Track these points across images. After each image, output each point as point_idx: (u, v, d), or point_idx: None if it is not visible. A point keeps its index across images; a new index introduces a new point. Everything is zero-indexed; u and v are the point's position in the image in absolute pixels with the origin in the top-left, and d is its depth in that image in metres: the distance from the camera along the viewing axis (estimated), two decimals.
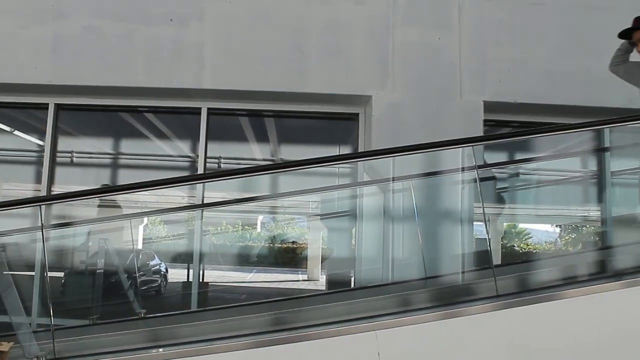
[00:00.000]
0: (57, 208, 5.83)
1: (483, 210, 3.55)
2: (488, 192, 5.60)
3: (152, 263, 9.51)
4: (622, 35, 4.07)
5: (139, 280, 5.61)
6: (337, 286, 6.63)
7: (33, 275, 5.44)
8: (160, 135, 6.66)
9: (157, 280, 9.67)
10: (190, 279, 6.20)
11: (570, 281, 3.59)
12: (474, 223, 5.13)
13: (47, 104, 5.92)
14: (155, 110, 6.22)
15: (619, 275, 3.55)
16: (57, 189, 5.96)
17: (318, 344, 3.08)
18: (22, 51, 5.64)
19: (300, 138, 7.21)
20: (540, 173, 6.42)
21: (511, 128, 6.00)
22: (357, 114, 5.91)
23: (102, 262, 5.32)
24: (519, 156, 6.40)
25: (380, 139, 5.32)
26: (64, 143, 6.24)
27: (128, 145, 6.98)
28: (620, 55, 4.18)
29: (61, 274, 6.60)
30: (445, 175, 4.82)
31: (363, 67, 5.60)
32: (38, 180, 6.00)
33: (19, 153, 6.87)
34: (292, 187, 6.15)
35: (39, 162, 6.08)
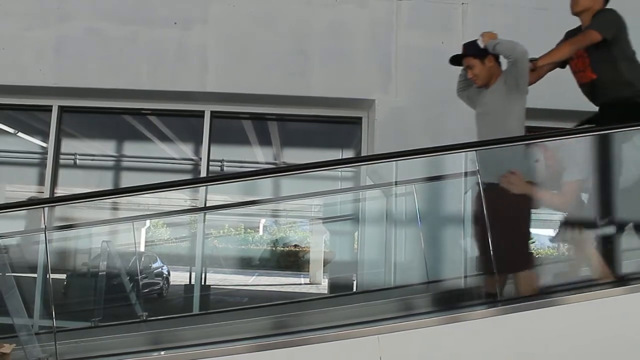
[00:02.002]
0: (60, 210, 5.83)
1: (485, 214, 3.53)
2: None
3: (154, 266, 9.51)
4: (452, 61, 3.97)
5: (141, 283, 5.61)
6: (339, 290, 6.63)
7: (35, 277, 5.45)
8: (164, 138, 6.67)
9: (159, 283, 9.66)
10: (192, 282, 6.20)
11: (574, 286, 3.58)
12: None
13: (51, 106, 5.94)
14: (158, 112, 6.24)
15: (623, 280, 3.53)
16: (60, 191, 5.97)
17: (320, 347, 3.07)
18: (26, 53, 5.66)
19: (303, 142, 7.22)
20: None
21: None
22: (360, 118, 5.92)
23: (105, 265, 5.32)
24: None
25: (383, 143, 5.32)
26: (67, 145, 6.26)
27: (131, 148, 6.99)
28: (462, 82, 4.09)
29: (63, 276, 6.60)
30: (448, 179, 4.82)
31: (366, 71, 5.60)
32: (41, 182, 6.02)
33: (23, 155, 6.89)
34: (294, 191, 6.15)
35: (42, 164, 6.10)
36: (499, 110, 3.75)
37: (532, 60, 3.82)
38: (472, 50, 3.85)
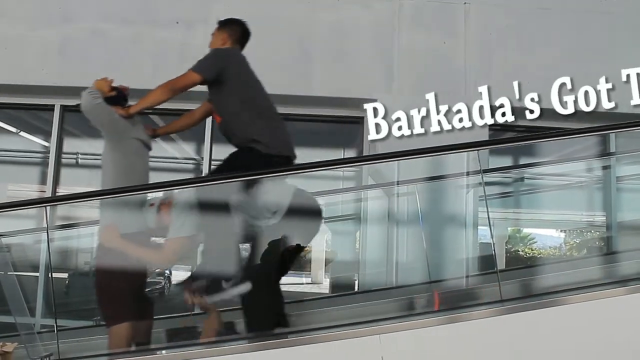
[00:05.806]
0: (62, 209, 5.84)
1: (488, 214, 3.53)
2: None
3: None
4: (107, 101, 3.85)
5: None
6: (341, 289, 6.63)
7: (37, 276, 5.46)
8: (166, 137, 6.65)
9: (160, 283, 9.66)
10: None
11: (575, 286, 3.58)
12: (479, 227, 5.12)
13: (53, 105, 5.94)
14: (160, 112, 6.22)
15: (624, 280, 3.53)
16: (62, 190, 5.97)
17: (321, 347, 3.08)
18: (29, 53, 5.67)
19: (305, 141, 7.20)
20: (545, 177, 6.41)
21: (516, 132, 5.98)
22: (362, 118, 5.89)
23: None
24: (524, 160, 6.38)
25: (385, 143, 5.30)
26: (70, 144, 6.26)
27: None
28: None
29: (65, 275, 6.61)
30: (450, 179, 4.82)
31: (368, 71, 5.60)
32: (43, 181, 6.03)
33: (25, 154, 6.90)
34: None
35: (44, 163, 6.11)
36: (102, 158, 3.65)
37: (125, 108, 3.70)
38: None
